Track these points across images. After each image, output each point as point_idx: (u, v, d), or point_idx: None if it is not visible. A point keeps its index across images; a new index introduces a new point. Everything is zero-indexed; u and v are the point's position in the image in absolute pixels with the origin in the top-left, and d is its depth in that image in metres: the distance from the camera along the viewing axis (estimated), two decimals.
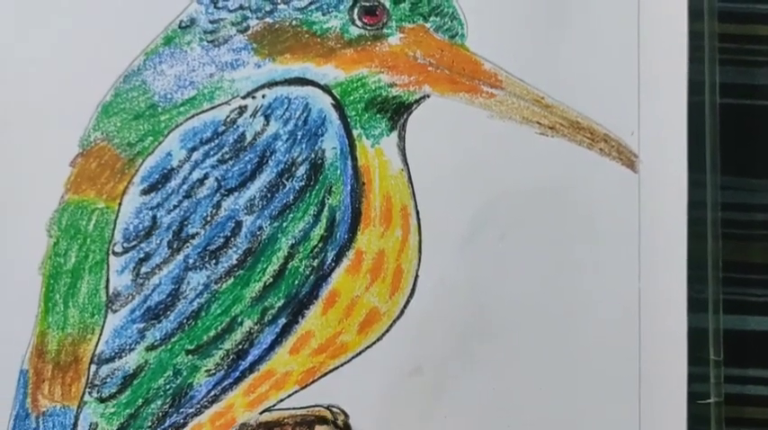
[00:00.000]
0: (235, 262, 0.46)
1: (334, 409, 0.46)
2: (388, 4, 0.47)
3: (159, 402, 0.46)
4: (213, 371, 0.46)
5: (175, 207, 0.47)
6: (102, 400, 0.46)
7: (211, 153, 0.47)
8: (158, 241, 0.46)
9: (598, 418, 0.47)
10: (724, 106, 0.48)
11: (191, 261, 0.46)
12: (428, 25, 0.47)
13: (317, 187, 0.47)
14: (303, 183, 0.47)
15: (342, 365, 0.47)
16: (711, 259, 0.47)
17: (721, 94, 0.47)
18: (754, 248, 0.50)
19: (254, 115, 0.47)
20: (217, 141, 0.47)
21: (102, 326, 0.46)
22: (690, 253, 0.47)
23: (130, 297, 0.46)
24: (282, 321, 0.46)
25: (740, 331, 0.49)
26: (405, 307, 0.47)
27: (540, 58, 0.47)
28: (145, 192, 0.47)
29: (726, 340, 0.47)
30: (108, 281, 0.47)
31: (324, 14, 0.47)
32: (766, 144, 0.50)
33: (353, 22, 0.47)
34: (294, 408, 0.46)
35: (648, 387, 0.47)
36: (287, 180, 0.47)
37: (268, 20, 0.47)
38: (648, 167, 0.47)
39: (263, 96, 0.47)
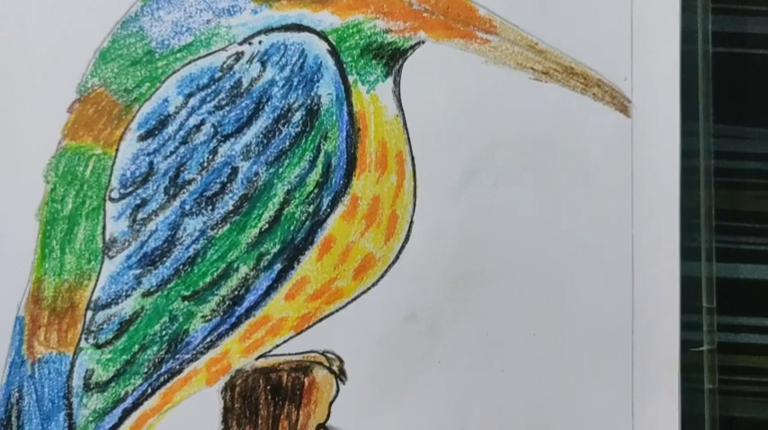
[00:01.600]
0: (231, 207, 0.46)
1: (330, 355, 0.47)
2: None
3: (155, 348, 0.46)
4: (209, 317, 0.46)
5: (172, 153, 0.47)
6: (98, 346, 0.46)
7: (208, 99, 0.47)
8: (155, 187, 0.47)
9: (591, 365, 0.47)
10: (716, 55, 0.48)
11: (187, 207, 0.46)
12: None
13: (312, 133, 0.47)
14: (299, 129, 0.47)
15: (337, 311, 0.47)
16: (704, 207, 0.48)
17: (714, 42, 0.48)
18: (746, 197, 0.50)
19: (250, 61, 0.47)
20: (213, 87, 0.47)
21: (99, 273, 0.46)
22: (682, 201, 0.47)
23: (127, 243, 0.47)
24: (278, 267, 0.46)
25: (733, 279, 0.49)
26: (400, 252, 0.47)
27: (534, 3, 0.48)
28: (142, 138, 0.47)
29: (718, 289, 0.47)
30: (104, 227, 0.47)
31: None
32: (758, 92, 0.50)
33: None
34: (290, 354, 0.47)
35: (641, 335, 0.47)
36: (283, 126, 0.47)
37: None
38: (641, 112, 0.47)
39: (260, 42, 0.47)
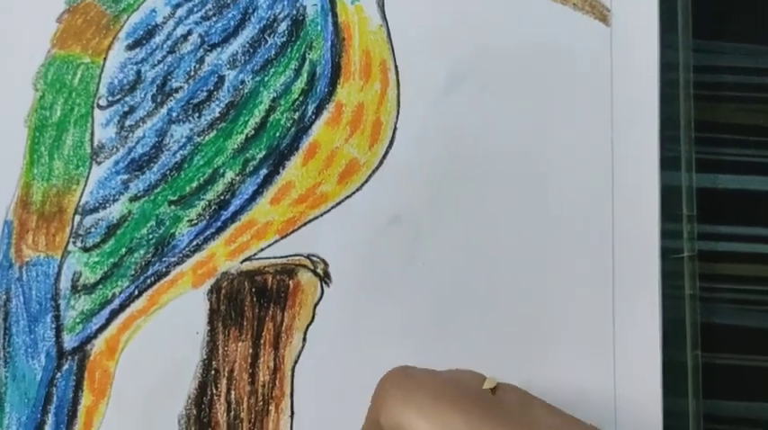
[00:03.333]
0: (217, 115, 0.47)
1: (315, 258, 0.47)
2: None
3: (142, 251, 0.47)
4: (195, 221, 0.47)
5: (159, 62, 0.48)
6: (85, 250, 0.47)
7: (195, 10, 0.48)
8: (142, 95, 0.47)
9: (572, 268, 0.47)
10: None
11: (174, 114, 0.47)
12: None
13: (298, 42, 0.48)
14: (284, 39, 0.48)
15: (322, 215, 0.47)
16: (684, 119, 0.48)
17: None
18: (724, 109, 0.51)
19: None
20: None
21: (87, 178, 0.47)
22: (662, 112, 0.48)
23: (115, 149, 0.47)
24: (264, 172, 0.47)
25: (712, 189, 0.50)
26: (384, 157, 0.48)
27: None
28: (130, 47, 0.48)
29: (699, 199, 0.48)
30: (93, 133, 0.47)
31: None
32: (737, 7, 0.51)
33: None
34: (275, 257, 0.47)
35: (622, 242, 0.47)
36: (269, 36, 0.48)
37: None
38: (620, 21, 0.48)
39: None
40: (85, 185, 0.47)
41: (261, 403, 0.46)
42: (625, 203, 0.48)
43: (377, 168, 0.48)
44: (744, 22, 0.51)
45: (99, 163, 0.47)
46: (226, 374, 0.46)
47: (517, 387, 0.39)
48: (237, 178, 0.47)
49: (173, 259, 0.47)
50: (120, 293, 0.47)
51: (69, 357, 0.46)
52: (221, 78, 0.47)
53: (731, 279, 0.50)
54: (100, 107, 0.47)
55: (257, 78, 0.47)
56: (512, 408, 0.37)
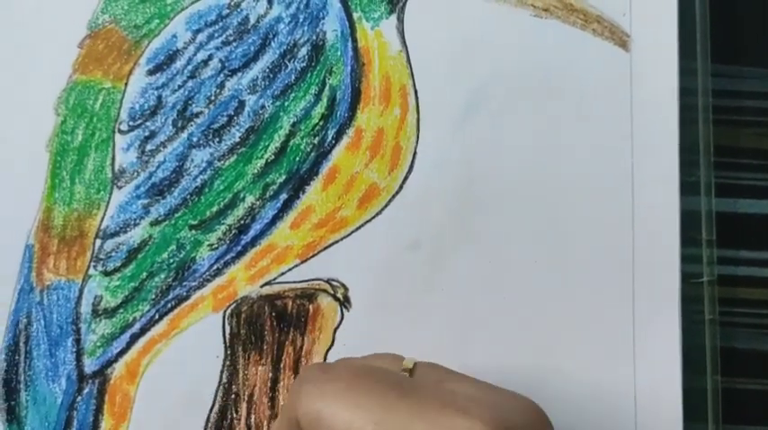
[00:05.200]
0: (237, 140, 0.47)
1: (334, 283, 0.47)
2: None
3: (163, 275, 0.47)
4: (216, 246, 0.47)
5: (180, 87, 0.48)
6: (106, 274, 0.47)
7: (216, 35, 0.48)
8: (163, 120, 0.48)
9: (592, 295, 0.47)
10: None
11: (194, 139, 0.47)
12: None
13: (318, 68, 0.48)
14: (305, 64, 0.48)
15: (341, 239, 0.47)
16: (703, 143, 0.48)
17: None
18: (744, 134, 0.51)
19: None
20: (221, 24, 0.48)
21: (108, 202, 0.47)
22: (682, 137, 0.48)
23: (135, 173, 0.47)
24: (284, 196, 0.47)
25: (732, 214, 0.50)
26: (403, 182, 0.48)
27: None
28: (150, 72, 0.48)
29: (718, 223, 0.48)
30: (113, 158, 0.48)
31: None
32: (756, 32, 0.51)
33: None
34: (294, 282, 0.47)
35: (642, 266, 0.47)
36: (289, 61, 0.48)
37: None
38: (640, 47, 0.48)
39: None
40: (106, 210, 0.47)
41: None
42: (645, 228, 0.48)
43: (396, 193, 0.48)
44: (763, 47, 0.51)
45: (120, 187, 0.47)
46: (246, 398, 0.46)
47: (437, 364, 0.39)
48: (257, 203, 0.47)
49: (193, 283, 0.47)
50: (141, 317, 0.47)
51: (90, 381, 0.46)
52: (241, 103, 0.48)
53: (751, 303, 0.50)
54: (121, 132, 0.48)
55: (277, 103, 0.48)
56: (428, 385, 0.37)
